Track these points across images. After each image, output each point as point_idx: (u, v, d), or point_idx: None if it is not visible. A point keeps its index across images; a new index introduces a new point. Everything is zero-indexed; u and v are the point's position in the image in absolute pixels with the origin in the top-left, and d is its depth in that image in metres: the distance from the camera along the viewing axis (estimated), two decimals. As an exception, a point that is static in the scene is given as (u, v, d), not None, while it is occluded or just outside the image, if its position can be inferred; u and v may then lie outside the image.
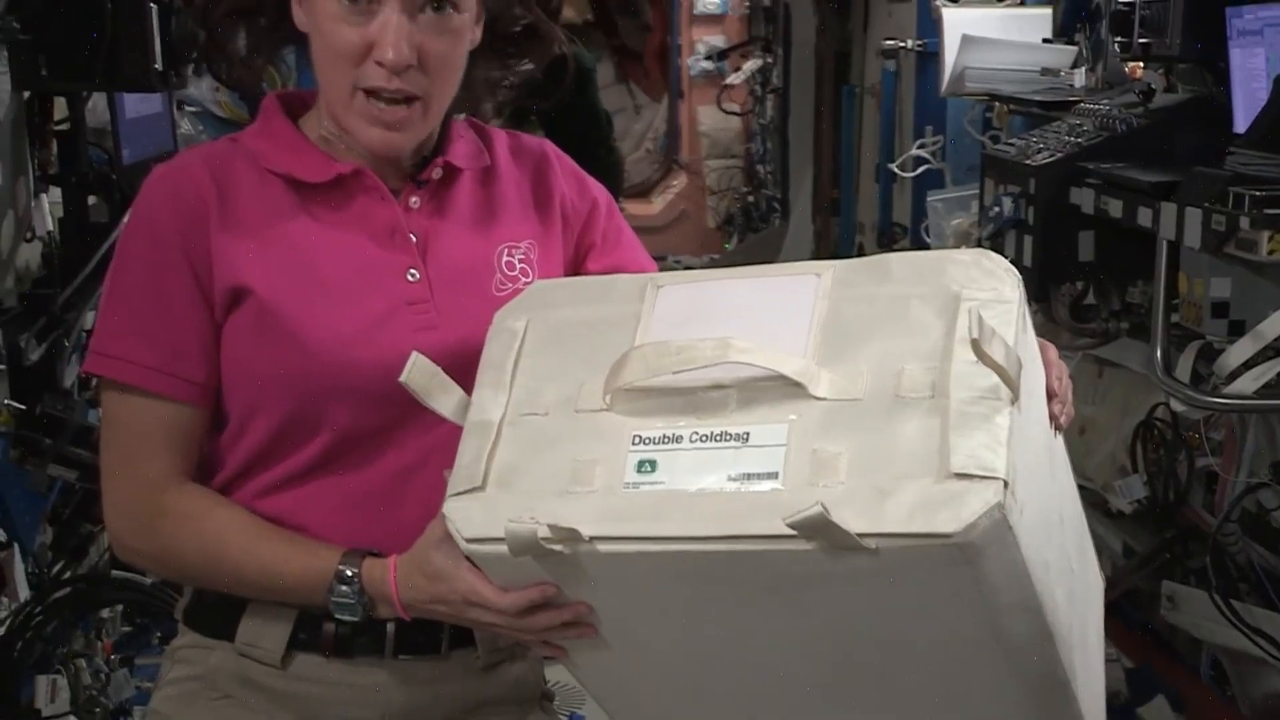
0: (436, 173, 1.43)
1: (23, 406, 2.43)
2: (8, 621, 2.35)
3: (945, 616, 1.15)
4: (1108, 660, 3.14)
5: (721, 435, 1.16)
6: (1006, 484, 1.06)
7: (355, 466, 1.38)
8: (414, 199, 1.42)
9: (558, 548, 1.14)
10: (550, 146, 1.56)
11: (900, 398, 1.13)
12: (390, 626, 1.39)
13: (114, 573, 2.56)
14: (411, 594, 1.31)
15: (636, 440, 1.18)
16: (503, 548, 1.16)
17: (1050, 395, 1.24)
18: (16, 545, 2.44)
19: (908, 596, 1.13)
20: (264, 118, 1.44)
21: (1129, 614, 3.61)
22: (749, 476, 1.13)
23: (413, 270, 1.39)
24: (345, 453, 1.38)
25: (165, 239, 1.35)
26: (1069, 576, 1.28)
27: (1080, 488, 3.85)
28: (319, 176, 1.39)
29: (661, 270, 1.47)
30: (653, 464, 1.16)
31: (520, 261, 1.46)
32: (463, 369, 1.29)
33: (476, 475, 1.20)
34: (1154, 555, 3.25)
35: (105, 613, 2.70)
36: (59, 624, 2.42)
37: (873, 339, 1.18)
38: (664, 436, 1.17)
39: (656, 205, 9.34)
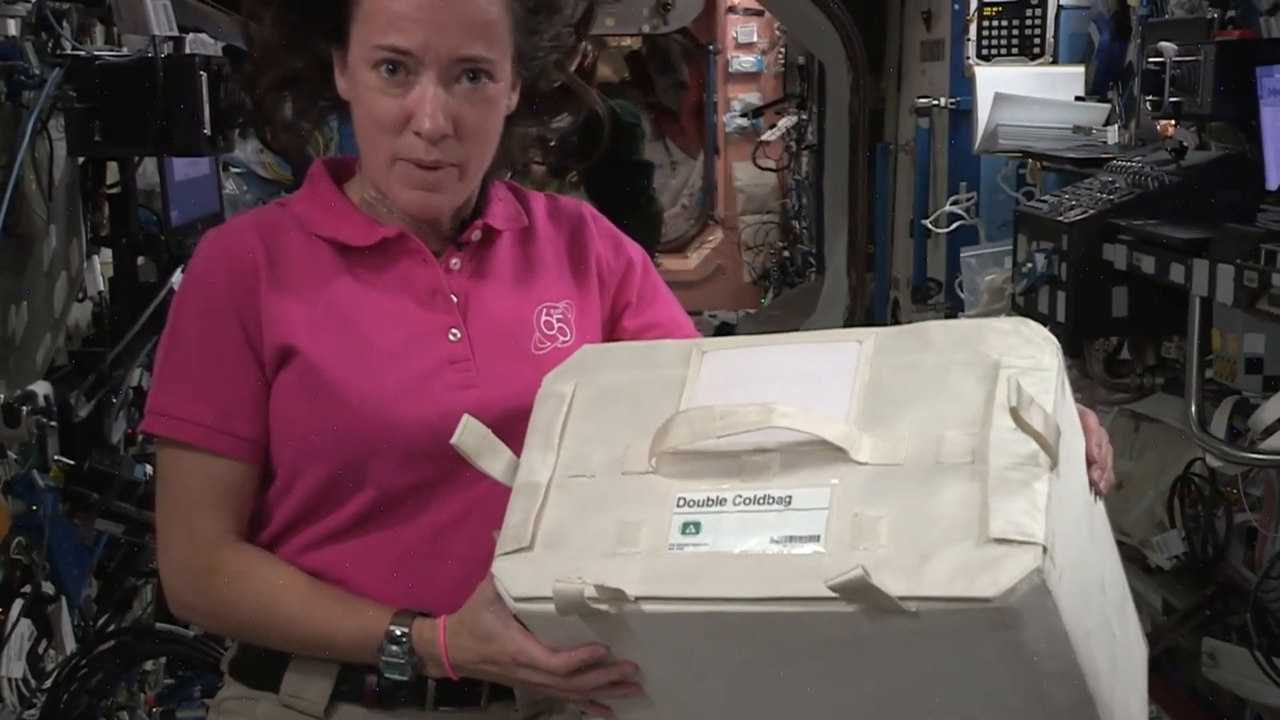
0: (476, 234, 1.46)
1: (72, 462, 2.49)
2: (54, 673, 2.39)
3: (985, 681, 1.16)
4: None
5: (765, 498, 1.18)
6: (1045, 549, 1.08)
7: (398, 522, 1.41)
8: (454, 260, 1.46)
9: (604, 607, 1.16)
10: (587, 208, 1.59)
11: (941, 463, 1.15)
12: (431, 680, 1.41)
13: (158, 625, 2.60)
14: (461, 655, 1.33)
15: (681, 502, 1.20)
16: (550, 607, 1.19)
17: (1090, 461, 1.26)
18: (64, 598, 2.49)
19: (948, 661, 1.14)
20: (310, 183, 1.49)
21: (1170, 671, 3.57)
22: (792, 539, 1.15)
23: (454, 330, 1.43)
24: (388, 509, 1.41)
25: (217, 301, 1.40)
26: (1110, 642, 1.28)
27: (1118, 543, 3.82)
28: (363, 240, 1.43)
29: (696, 323, 1.50)
30: (697, 525, 1.18)
31: (559, 321, 1.49)
32: (503, 426, 1.32)
33: (525, 536, 1.23)
34: (1194, 612, 3.22)
35: (149, 665, 2.74)
36: (104, 676, 2.46)
37: (913, 405, 1.20)
38: (708, 499, 1.19)
39: (693, 260, 9.40)
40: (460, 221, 1.48)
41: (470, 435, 1.29)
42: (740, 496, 1.19)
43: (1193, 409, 2.46)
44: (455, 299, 1.44)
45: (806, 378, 1.25)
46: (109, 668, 2.44)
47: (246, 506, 1.43)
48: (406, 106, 1.35)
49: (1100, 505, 1.31)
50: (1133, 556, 3.59)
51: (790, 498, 1.17)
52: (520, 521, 1.24)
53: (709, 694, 1.26)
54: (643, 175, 7.59)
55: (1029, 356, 1.20)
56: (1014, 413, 1.11)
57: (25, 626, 2.38)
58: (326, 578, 1.42)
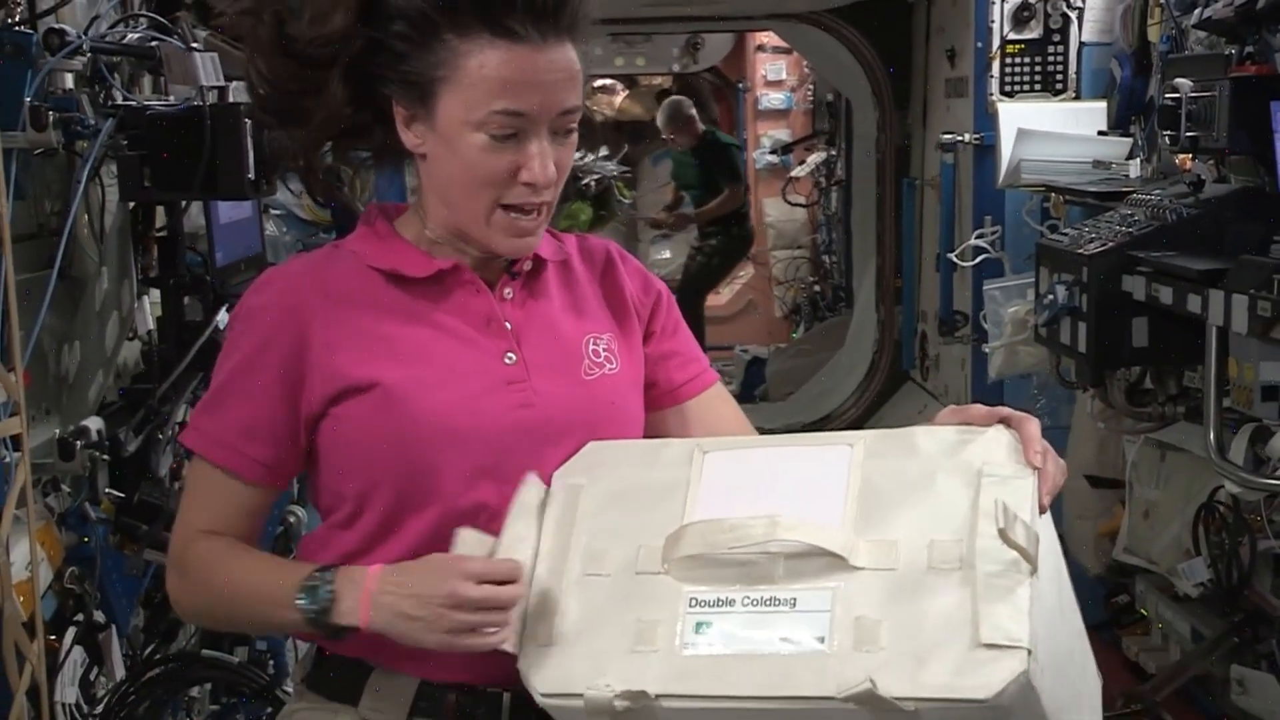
0: (528, 265, 1.54)
1: (122, 495, 2.58)
2: (105, 699, 2.47)
3: None
4: (1176, 743, 3.13)
5: (771, 600, 1.28)
6: (1030, 651, 1.19)
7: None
8: (508, 290, 1.53)
9: (628, 703, 1.26)
10: (614, 246, 1.67)
11: (932, 569, 1.25)
12: (506, 696, 1.45)
13: (203, 652, 2.68)
14: (387, 588, 1.36)
15: (693, 602, 1.30)
16: (578, 703, 1.29)
17: (1035, 469, 1.32)
18: (114, 627, 2.57)
19: None
20: (367, 224, 1.55)
21: (1200, 699, 3.58)
22: (799, 640, 1.25)
23: (510, 354, 1.50)
24: (448, 534, 1.44)
25: (263, 334, 1.47)
26: (1076, 698, 1.38)
27: (1146, 571, 3.83)
28: (420, 272, 1.50)
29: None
30: (709, 625, 1.28)
31: (605, 350, 1.56)
32: (554, 443, 1.46)
33: (548, 633, 1.33)
34: (1222, 639, 3.24)
35: (194, 692, 2.81)
36: (152, 703, 2.53)
37: (904, 510, 1.30)
38: (718, 600, 1.29)
39: (724, 295, 9.46)
40: None
41: (467, 545, 1.37)
42: (748, 598, 1.29)
43: (1211, 436, 2.50)
44: (509, 326, 1.51)
45: (802, 482, 1.36)
46: (157, 694, 2.51)
47: (245, 525, 1.51)
48: (516, 161, 1.42)
49: (1060, 561, 1.39)
50: (1160, 585, 3.61)
51: (795, 600, 1.27)
52: (540, 616, 1.34)
53: None
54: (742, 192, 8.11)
55: (1009, 464, 1.30)
56: (1002, 534, 1.23)
57: (78, 654, 2.47)
58: None
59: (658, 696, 1.25)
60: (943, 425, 1.37)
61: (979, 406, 1.39)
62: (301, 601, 1.38)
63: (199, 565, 1.48)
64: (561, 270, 1.59)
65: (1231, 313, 2.38)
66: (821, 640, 1.24)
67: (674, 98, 8.34)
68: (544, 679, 1.31)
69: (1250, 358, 2.45)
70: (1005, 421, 1.35)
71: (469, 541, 1.37)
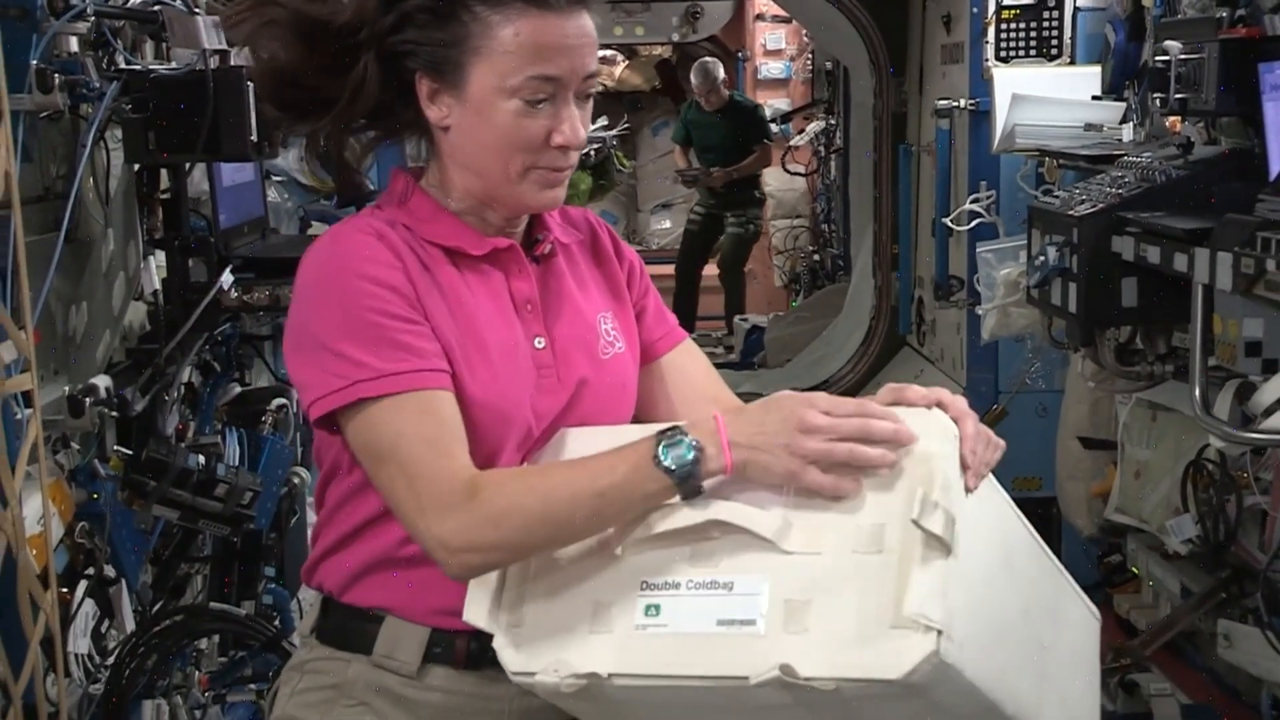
0: (548, 248, 1.59)
1: (130, 452, 2.63)
2: (116, 651, 2.53)
3: None
4: (1162, 696, 3.20)
5: (711, 584, 1.36)
6: (941, 632, 1.25)
7: None
8: (532, 272, 1.58)
9: (581, 683, 1.35)
10: (591, 215, 1.72)
11: (855, 552, 1.31)
12: None
13: (211, 605, 2.74)
14: (740, 428, 1.35)
15: (644, 586, 1.38)
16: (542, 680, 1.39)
17: (963, 466, 1.35)
18: (124, 581, 2.63)
19: (874, 717, 1.32)
20: (404, 194, 1.54)
21: (1189, 654, 3.65)
22: (734, 622, 1.33)
23: (539, 338, 1.55)
24: None
25: (392, 272, 1.44)
26: (1036, 659, 1.45)
27: (1137, 530, 3.88)
28: (479, 250, 1.53)
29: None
30: (657, 608, 1.37)
31: (613, 329, 1.62)
32: (572, 417, 1.52)
33: (519, 616, 1.42)
34: (1209, 595, 3.30)
35: (203, 644, 2.87)
36: (161, 655, 2.59)
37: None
38: (665, 583, 1.37)
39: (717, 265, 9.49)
40: (529, 238, 1.59)
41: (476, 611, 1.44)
42: (692, 581, 1.37)
43: (1197, 392, 2.55)
44: (536, 308, 1.56)
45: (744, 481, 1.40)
46: (166, 646, 2.57)
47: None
48: (549, 125, 1.47)
49: (1023, 530, 1.47)
50: (1152, 544, 3.67)
51: (732, 584, 1.35)
52: (512, 597, 1.43)
53: None
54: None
55: (936, 445, 1.34)
56: (916, 524, 1.28)
57: (89, 607, 2.53)
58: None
59: (609, 676, 1.34)
60: (879, 406, 1.39)
61: (915, 388, 1.41)
62: (668, 461, 1.34)
63: (502, 488, 1.40)
64: (564, 251, 1.63)
65: (1216, 270, 2.42)
66: (754, 623, 1.32)
67: (706, 59, 8.42)
68: (511, 659, 1.40)
69: (1235, 314, 2.50)
70: (941, 405, 1.37)
71: None
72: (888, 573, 1.29)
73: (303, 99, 1.50)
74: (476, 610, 1.42)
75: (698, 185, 8.26)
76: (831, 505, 1.34)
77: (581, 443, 1.51)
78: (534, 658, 1.38)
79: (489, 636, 1.45)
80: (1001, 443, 1.40)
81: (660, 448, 1.35)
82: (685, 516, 1.36)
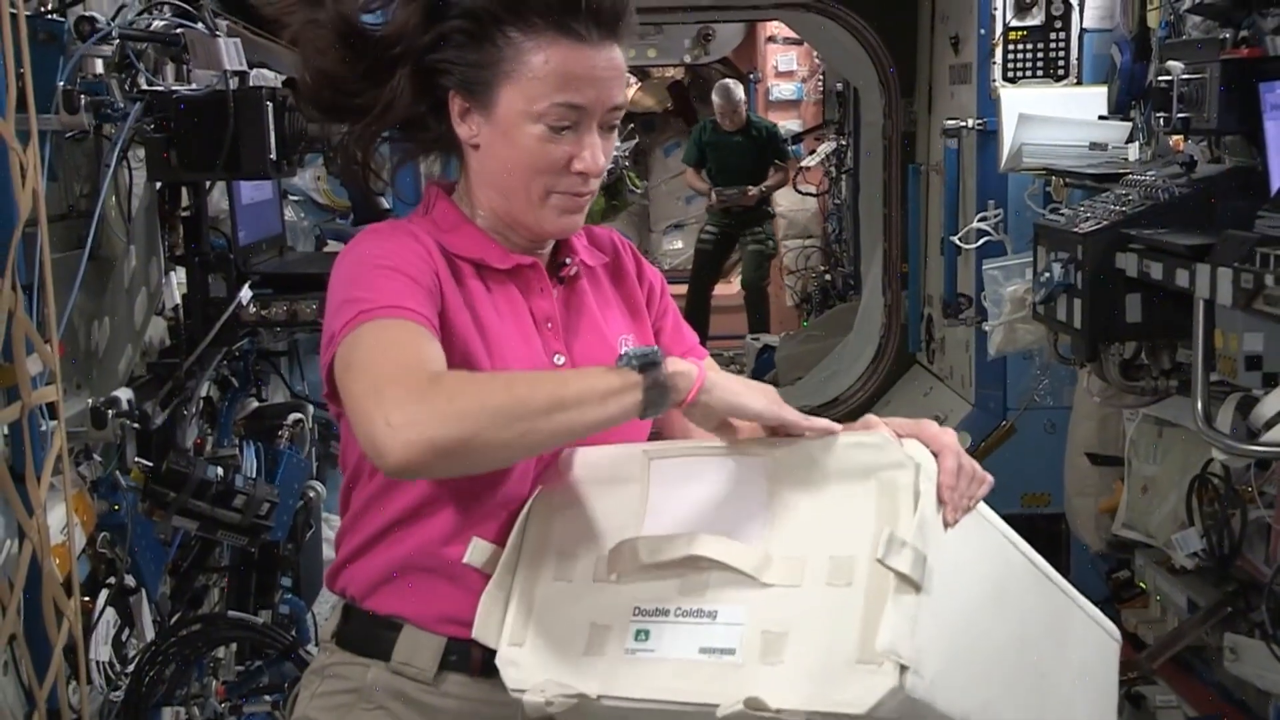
0: (574, 270, 1.64)
1: (150, 464, 2.69)
2: (136, 659, 2.58)
3: None
4: (1168, 708, 3.22)
5: (697, 612, 1.41)
6: (907, 668, 1.28)
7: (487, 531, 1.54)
8: (555, 292, 1.62)
9: (571, 702, 1.42)
10: (616, 235, 1.76)
11: (830, 585, 1.35)
12: None
13: (229, 613, 2.79)
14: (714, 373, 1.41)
15: (637, 612, 1.44)
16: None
17: (940, 501, 1.36)
18: (144, 590, 2.68)
19: None
20: (437, 207, 1.60)
21: (1196, 667, 3.66)
22: (714, 651, 1.39)
23: (559, 355, 1.59)
24: (480, 517, 1.53)
25: (422, 254, 1.50)
26: (1033, 685, 1.48)
27: (1145, 545, 3.89)
28: (503, 264, 1.57)
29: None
30: (647, 633, 1.43)
31: None
32: (591, 440, 1.51)
33: (521, 634, 1.49)
34: (1216, 609, 3.31)
35: (220, 653, 2.92)
36: (180, 663, 2.63)
37: (812, 525, 1.39)
38: (656, 609, 1.43)
39: (736, 285, 9.54)
40: (555, 260, 1.63)
41: (479, 553, 1.51)
42: (679, 609, 1.42)
43: (1199, 405, 2.58)
44: (556, 326, 1.60)
45: (727, 502, 1.46)
46: (185, 654, 2.62)
47: None
48: (570, 151, 1.51)
49: (1022, 559, 1.49)
50: (1158, 558, 3.69)
51: (716, 613, 1.40)
52: (518, 616, 1.49)
53: None
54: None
55: (901, 476, 1.36)
56: (880, 563, 1.31)
57: (110, 615, 2.58)
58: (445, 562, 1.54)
59: (597, 697, 1.40)
60: (861, 434, 1.41)
61: (897, 420, 1.43)
62: (634, 362, 1.35)
63: (462, 379, 1.37)
64: (589, 273, 1.67)
65: (1217, 285, 2.46)
66: (733, 652, 1.37)
67: (726, 80, 8.51)
68: (511, 676, 1.46)
69: (1235, 329, 2.53)
70: (923, 439, 1.39)
71: (480, 549, 1.52)
72: (856, 607, 1.32)
73: (339, 102, 1.55)
74: (485, 628, 1.49)
75: (732, 204, 8.33)
76: (812, 537, 1.38)
77: (593, 459, 1.54)
78: (529, 676, 1.45)
79: None
80: (988, 477, 1.40)
81: (627, 355, 1.37)
82: (674, 549, 1.42)
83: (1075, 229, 3.08)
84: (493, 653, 1.53)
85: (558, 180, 1.53)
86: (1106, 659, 1.65)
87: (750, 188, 8.26)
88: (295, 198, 4.20)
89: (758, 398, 1.42)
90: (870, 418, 1.43)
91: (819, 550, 1.37)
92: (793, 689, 1.31)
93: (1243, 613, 3.24)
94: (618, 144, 8.69)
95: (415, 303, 1.43)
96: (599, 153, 1.52)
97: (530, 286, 1.59)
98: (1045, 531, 4.67)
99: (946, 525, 1.36)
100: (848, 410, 6.09)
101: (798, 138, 9.23)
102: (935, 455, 1.37)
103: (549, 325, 1.59)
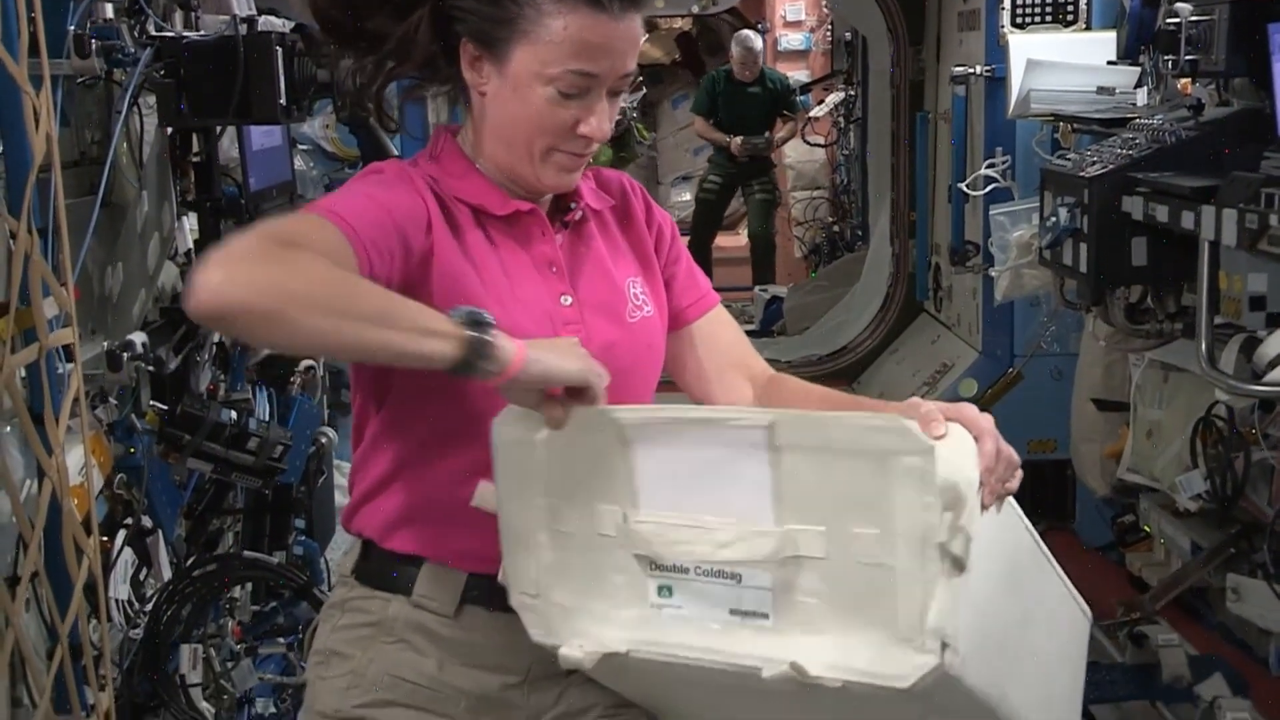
0: (578, 215, 1.64)
1: (165, 407, 2.72)
2: (154, 597, 2.63)
3: None
4: (1170, 646, 3.26)
5: (719, 573, 1.40)
6: (946, 645, 1.30)
7: None
8: (559, 237, 1.63)
9: (601, 655, 1.43)
10: (626, 178, 1.76)
11: (862, 562, 1.34)
12: None
13: (245, 553, 2.84)
14: (536, 344, 1.39)
15: (653, 567, 1.43)
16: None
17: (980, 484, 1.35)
18: (160, 531, 2.72)
19: (876, 713, 1.38)
20: (443, 151, 1.60)
21: (1199, 609, 3.71)
22: (746, 614, 1.40)
23: (565, 296, 1.59)
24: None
25: (412, 192, 1.50)
26: (1030, 664, 1.51)
27: (1149, 489, 3.92)
28: (502, 210, 1.57)
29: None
30: (670, 590, 1.42)
31: (641, 293, 1.66)
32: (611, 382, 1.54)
33: (534, 583, 1.48)
34: (1219, 550, 3.35)
35: (236, 593, 2.97)
36: (197, 602, 2.68)
37: (822, 501, 1.36)
38: (674, 566, 1.42)
39: (744, 237, 9.54)
40: (561, 204, 1.64)
41: (486, 494, 1.51)
42: (699, 569, 1.41)
43: (1203, 346, 2.60)
44: (561, 269, 1.61)
45: (730, 480, 1.41)
46: (202, 593, 2.66)
47: None
48: (577, 116, 1.52)
49: (1029, 539, 1.49)
50: (1163, 502, 3.72)
51: (740, 576, 1.39)
52: (525, 568, 1.48)
53: (691, 706, 1.54)
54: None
55: (956, 459, 1.33)
56: (943, 546, 1.30)
57: (128, 555, 2.62)
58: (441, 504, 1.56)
59: (628, 652, 1.42)
60: (877, 418, 1.39)
61: (939, 404, 1.39)
62: (460, 321, 1.33)
63: (310, 263, 1.27)
64: (597, 216, 1.67)
65: (1222, 227, 2.47)
66: (765, 616, 1.38)
67: (745, 30, 8.50)
68: (535, 628, 1.48)
69: (1240, 270, 2.54)
70: (964, 422, 1.37)
71: (488, 492, 1.50)
72: (895, 584, 1.32)
73: (349, 23, 1.55)
74: (505, 573, 1.50)
75: (756, 152, 8.33)
76: (827, 511, 1.36)
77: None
78: (554, 629, 1.46)
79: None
80: (1018, 462, 1.40)
81: (458, 314, 1.34)
82: (686, 553, 1.41)
83: (1081, 173, 3.09)
84: None
85: (561, 141, 1.54)
86: (1080, 637, 1.67)
87: (775, 137, 8.35)
88: (304, 147, 4.20)
89: (572, 361, 1.40)
90: (916, 400, 1.39)
91: (839, 525, 1.36)
92: (831, 659, 1.33)
93: (1245, 554, 3.28)
94: (625, 97, 8.70)
95: (362, 223, 1.38)
96: (605, 119, 1.53)
97: (531, 232, 1.60)
98: (1052, 477, 4.71)
99: (984, 508, 1.36)
100: (855, 358, 6.12)
101: (806, 88, 9.19)
102: (975, 439, 1.36)
103: (553, 269, 1.60)
